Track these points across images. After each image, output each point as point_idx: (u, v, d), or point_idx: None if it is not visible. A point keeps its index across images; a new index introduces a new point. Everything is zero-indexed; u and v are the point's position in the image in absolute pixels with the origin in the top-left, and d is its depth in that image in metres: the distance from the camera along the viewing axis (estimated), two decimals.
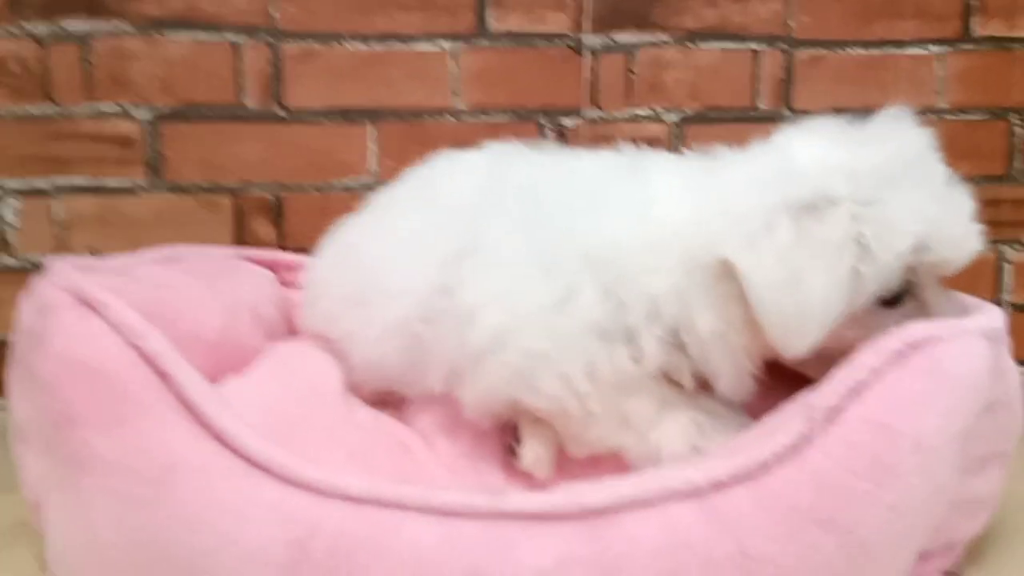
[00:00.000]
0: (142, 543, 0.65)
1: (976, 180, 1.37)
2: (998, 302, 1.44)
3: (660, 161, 0.84)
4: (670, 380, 0.77)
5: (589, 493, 0.66)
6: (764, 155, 0.75)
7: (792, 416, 0.69)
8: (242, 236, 1.32)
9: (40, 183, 1.28)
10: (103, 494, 0.66)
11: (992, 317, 0.73)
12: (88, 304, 0.69)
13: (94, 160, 1.28)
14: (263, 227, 1.33)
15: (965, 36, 1.37)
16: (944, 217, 0.70)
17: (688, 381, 0.76)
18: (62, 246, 1.29)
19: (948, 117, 1.39)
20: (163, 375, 0.67)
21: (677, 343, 0.74)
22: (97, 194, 1.29)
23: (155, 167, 1.29)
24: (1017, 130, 1.40)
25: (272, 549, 0.64)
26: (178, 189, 1.30)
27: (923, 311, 0.74)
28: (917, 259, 0.70)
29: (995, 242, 1.43)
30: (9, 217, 1.28)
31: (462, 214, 0.84)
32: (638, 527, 0.65)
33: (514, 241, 0.78)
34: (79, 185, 1.28)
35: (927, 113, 1.38)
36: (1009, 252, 1.43)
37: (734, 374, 0.74)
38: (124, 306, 0.69)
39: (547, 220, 0.79)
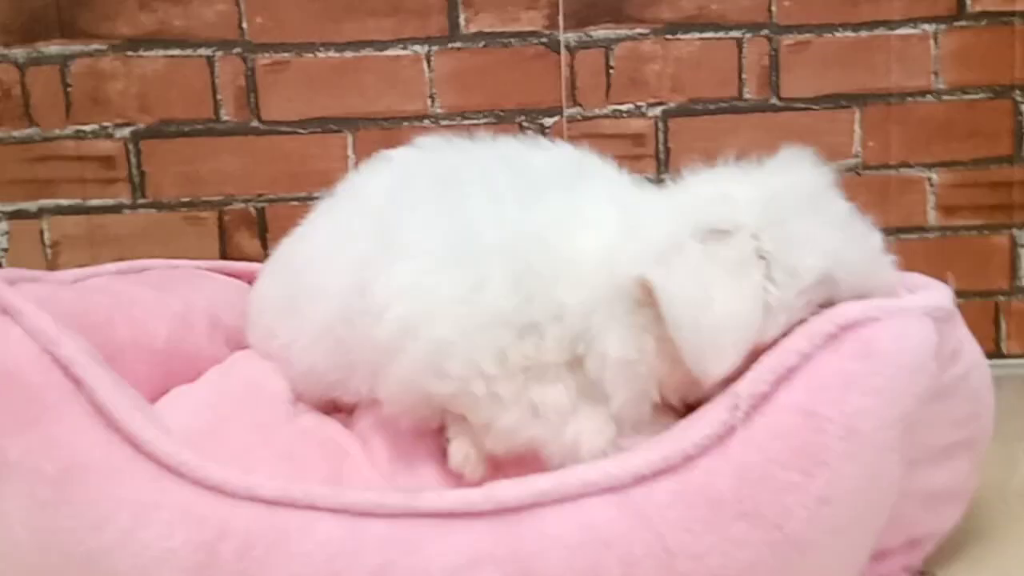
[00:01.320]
0: (52, 544, 0.66)
1: (984, 162, 1.35)
2: (1015, 289, 1.37)
3: (605, 174, 0.85)
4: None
5: (504, 490, 0.65)
6: (674, 191, 0.78)
7: (716, 405, 0.66)
8: (227, 249, 1.33)
9: (27, 205, 1.30)
10: (16, 496, 0.67)
11: (938, 295, 0.69)
12: (5, 311, 0.71)
13: (78, 180, 1.30)
14: (247, 240, 1.33)
15: (959, 12, 1.31)
16: (846, 249, 0.70)
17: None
18: (51, 267, 1.30)
19: (947, 98, 1.33)
20: (75, 380, 0.68)
21: (575, 351, 0.73)
22: (83, 214, 1.31)
23: (138, 184, 1.31)
24: None
25: (181, 551, 0.64)
26: (161, 205, 1.32)
27: None
28: (828, 292, 0.69)
29: (1008, 227, 1.36)
30: None
31: (381, 211, 0.83)
32: (554, 524, 0.63)
33: (427, 233, 0.78)
34: (65, 206, 1.30)
35: (924, 95, 1.33)
36: (1023, 236, 1.37)
37: (630, 400, 0.73)
38: (41, 314, 0.71)
39: (462, 208, 0.78)
